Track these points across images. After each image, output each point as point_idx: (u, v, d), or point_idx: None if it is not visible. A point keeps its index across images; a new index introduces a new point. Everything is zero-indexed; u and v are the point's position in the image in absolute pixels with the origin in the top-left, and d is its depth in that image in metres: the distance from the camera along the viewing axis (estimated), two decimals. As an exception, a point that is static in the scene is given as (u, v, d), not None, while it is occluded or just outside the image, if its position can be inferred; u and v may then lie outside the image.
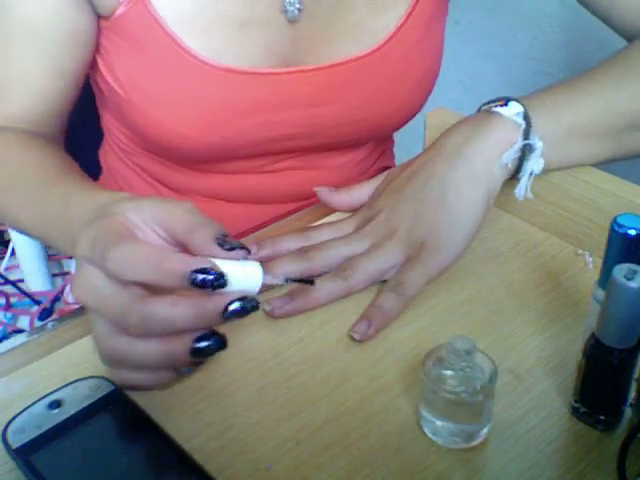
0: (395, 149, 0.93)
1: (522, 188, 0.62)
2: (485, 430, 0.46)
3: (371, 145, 0.83)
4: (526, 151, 0.60)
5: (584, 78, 0.64)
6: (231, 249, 0.43)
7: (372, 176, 0.73)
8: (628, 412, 0.46)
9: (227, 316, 0.42)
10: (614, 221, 0.44)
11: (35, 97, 0.69)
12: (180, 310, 0.42)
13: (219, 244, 0.43)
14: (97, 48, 0.70)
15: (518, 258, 0.62)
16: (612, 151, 0.64)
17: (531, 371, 0.51)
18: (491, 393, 0.45)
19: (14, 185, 0.64)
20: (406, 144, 0.88)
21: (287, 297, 0.56)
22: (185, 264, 0.42)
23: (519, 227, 0.66)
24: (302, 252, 0.58)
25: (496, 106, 0.61)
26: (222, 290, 0.42)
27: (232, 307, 0.42)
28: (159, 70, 0.67)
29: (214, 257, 0.43)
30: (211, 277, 0.41)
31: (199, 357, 0.44)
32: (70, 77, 0.69)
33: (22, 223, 0.64)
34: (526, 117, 0.60)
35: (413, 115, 0.76)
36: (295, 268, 0.57)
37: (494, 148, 0.59)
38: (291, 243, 0.60)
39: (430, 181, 0.59)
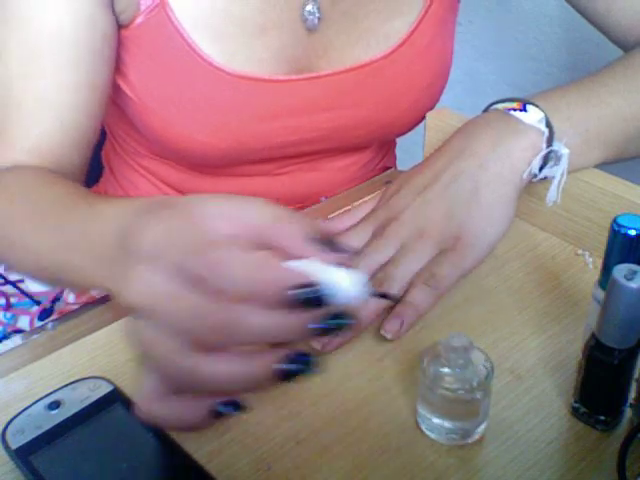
0: (396, 149, 0.93)
1: (553, 194, 0.61)
2: (482, 427, 0.46)
3: (376, 147, 0.83)
4: (548, 157, 0.60)
5: (592, 82, 0.64)
6: (335, 249, 0.37)
7: (374, 176, 0.73)
8: (628, 412, 0.46)
9: (320, 331, 0.36)
10: (614, 221, 0.44)
11: (65, 114, 0.63)
12: (271, 316, 0.36)
13: (319, 243, 0.37)
14: None
15: (518, 258, 0.62)
16: (617, 157, 0.64)
17: (531, 371, 0.51)
18: (488, 390, 0.45)
19: (33, 217, 0.56)
20: (406, 144, 0.88)
21: (396, 319, 0.53)
22: (291, 277, 0.35)
23: (519, 227, 0.65)
24: None
25: (514, 110, 0.61)
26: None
27: (327, 322, 0.36)
28: (175, 76, 0.67)
29: (310, 258, 0.36)
30: (314, 296, 0.35)
31: (286, 379, 0.37)
32: (101, 90, 0.66)
33: (38, 259, 0.55)
34: (548, 124, 0.60)
35: (422, 118, 0.76)
36: None
37: (521, 154, 0.59)
38: None
39: (459, 179, 0.58)
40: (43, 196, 0.58)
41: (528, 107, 0.60)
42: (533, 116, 0.60)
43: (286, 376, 0.37)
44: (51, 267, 0.53)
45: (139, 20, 0.64)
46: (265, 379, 0.37)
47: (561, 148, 0.60)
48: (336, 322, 0.36)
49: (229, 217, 0.38)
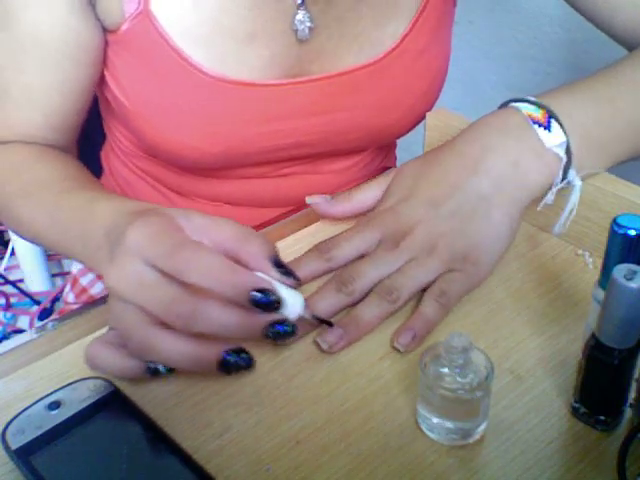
0: (396, 149, 0.93)
1: (561, 226, 0.61)
2: (482, 427, 0.46)
3: (375, 149, 0.83)
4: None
5: (598, 83, 0.63)
6: (284, 274, 0.46)
7: (373, 177, 0.72)
8: (628, 412, 0.46)
9: (268, 333, 0.45)
10: (614, 221, 0.44)
11: (46, 111, 0.68)
12: (229, 314, 0.44)
13: (274, 264, 0.46)
14: (104, 60, 0.70)
15: (518, 258, 0.62)
16: (620, 160, 0.63)
17: (531, 371, 0.51)
18: (488, 390, 0.45)
19: (31, 194, 0.63)
20: (406, 144, 0.88)
21: (339, 330, 0.52)
22: (249, 281, 0.43)
23: (519, 227, 0.65)
24: (340, 284, 0.54)
25: (538, 125, 0.58)
26: None
27: (274, 327, 0.45)
28: (164, 82, 0.67)
29: (264, 274, 0.45)
30: (269, 300, 0.43)
31: (224, 370, 0.45)
32: (81, 91, 0.69)
33: (37, 231, 0.62)
34: (568, 151, 0.58)
35: (420, 121, 0.75)
36: (337, 303, 0.54)
37: (537, 178, 0.58)
38: (313, 266, 0.57)
39: (473, 199, 0.57)
40: (39, 174, 0.65)
41: (552, 125, 0.58)
42: (555, 138, 0.58)
43: (223, 366, 0.45)
44: (46, 242, 0.63)
45: (125, 27, 0.64)
46: (205, 363, 0.45)
47: (575, 179, 0.59)
48: (284, 328, 0.45)
49: (204, 231, 0.46)
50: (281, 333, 0.45)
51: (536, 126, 0.58)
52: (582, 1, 0.70)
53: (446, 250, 0.56)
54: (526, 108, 0.59)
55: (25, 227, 0.64)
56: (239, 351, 0.45)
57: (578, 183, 0.59)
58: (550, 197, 0.59)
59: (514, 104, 0.60)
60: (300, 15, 0.66)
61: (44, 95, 0.68)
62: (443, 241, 0.56)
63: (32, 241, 0.67)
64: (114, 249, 0.46)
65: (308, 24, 0.66)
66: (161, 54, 0.65)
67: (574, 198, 0.59)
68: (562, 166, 0.58)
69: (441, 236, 0.56)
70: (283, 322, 0.45)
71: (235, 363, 0.45)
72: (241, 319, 0.44)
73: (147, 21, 0.64)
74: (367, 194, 0.62)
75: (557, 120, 0.58)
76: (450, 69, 0.77)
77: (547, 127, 0.58)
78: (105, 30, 0.67)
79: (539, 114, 0.59)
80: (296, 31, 0.66)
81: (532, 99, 0.60)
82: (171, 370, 0.47)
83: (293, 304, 0.46)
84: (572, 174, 0.59)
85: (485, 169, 0.58)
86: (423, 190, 0.59)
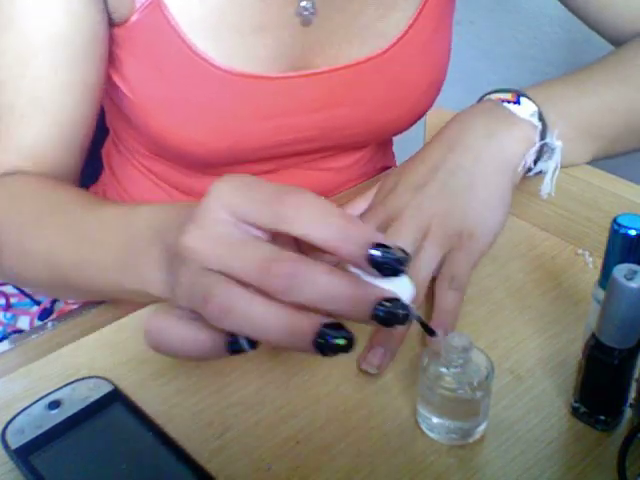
0: (395, 149, 0.93)
1: (547, 185, 0.62)
2: (482, 427, 0.46)
3: (374, 146, 0.83)
4: (542, 150, 0.61)
5: (582, 74, 0.65)
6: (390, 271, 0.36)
7: (373, 176, 0.73)
8: (628, 412, 0.46)
9: (377, 312, 0.35)
10: (614, 221, 0.44)
11: (56, 119, 0.64)
12: (338, 282, 0.35)
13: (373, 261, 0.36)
14: (109, 58, 0.69)
15: (518, 258, 0.62)
16: (607, 151, 0.64)
17: (531, 371, 0.51)
18: (488, 390, 0.45)
19: (48, 218, 0.57)
20: (406, 144, 0.88)
21: (378, 349, 0.51)
22: (374, 294, 0.35)
23: (519, 227, 0.66)
24: None
25: (508, 102, 0.61)
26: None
27: (384, 306, 0.35)
28: (171, 75, 0.67)
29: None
30: (399, 314, 0.35)
31: (321, 349, 0.35)
32: (90, 90, 0.66)
33: (55, 260, 0.54)
34: (541, 118, 0.60)
35: (420, 116, 0.76)
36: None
37: (514, 147, 0.60)
38: None
39: (456, 174, 0.59)
40: (49, 199, 0.59)
41: (521, 100, 0.61)
42: (526, 109, 0.61)
43: (321, 345, 0.35)
44: (64, 265, 0.53)
45: (134, 18, 0.64)
46: (299, 336, 0.35)
47: (554, 141, 0.60)
48: (397, 310, 0.36)
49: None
50: (390, 314, 0.35)
51: (505, 103, 0.62)
52: None
53: (440, 230, 0.56)
54: (496, 94, 0.63)
55: (39, 260, 0.56)
56: (341, 327, 0.35)
57: (558, 144, 0.60)
58: (529, 159, 0.60)
59: (487, 96, 0.64)
60: (304, 2, 0.66)
61: (56, 97, 0.64)
62: (435, 221, 0.57)
63: (45, 280, 0.57)
64: (191, 215, 0.38)
65: (312, 10, 0.67)
66: (169, 45, 0.65)
67: (556, 159, 0.61)
68: (538, 132, 0.60)
69: (431, 216, 0.57)
70: (396, 302, 0.36)
71: (336, 342, 0.35)
72: (352, 290, 0.35)
73: (158, 11, 0.63)
74: (359, 204, 0.63)
75: (526, 96, 0.61)
76: (450, 68, 0.77)
77: (516, 102, 0.61)
78: (111, 25, 0.66)
79: (508, 96, 0.62)
80: (300, 17, 0.67)
81: (505, 88, 0.63)
82: (254, 345, 0.37)
83: (405, 289, 0.37)
84: (550, 137, 0.60)
85: (461, 145, 0.60)
86: (407, 177, 0.60)
